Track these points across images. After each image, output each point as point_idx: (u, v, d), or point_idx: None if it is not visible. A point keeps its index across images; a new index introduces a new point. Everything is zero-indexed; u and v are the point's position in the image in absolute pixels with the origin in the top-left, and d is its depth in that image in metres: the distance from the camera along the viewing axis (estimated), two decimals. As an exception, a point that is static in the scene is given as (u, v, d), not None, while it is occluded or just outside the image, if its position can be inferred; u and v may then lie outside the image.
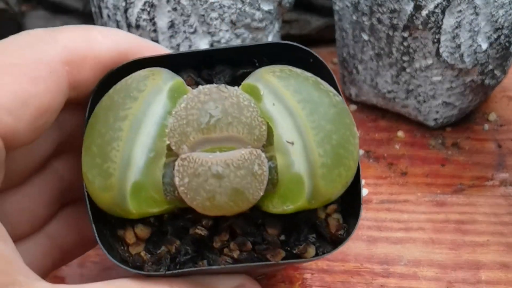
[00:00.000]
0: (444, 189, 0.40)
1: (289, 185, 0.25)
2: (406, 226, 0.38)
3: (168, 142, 0.24)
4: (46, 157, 0.28)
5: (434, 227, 0.38)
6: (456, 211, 0.39)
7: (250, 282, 0.26)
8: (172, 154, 0.24)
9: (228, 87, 0.25)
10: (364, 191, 0.40)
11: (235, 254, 0.25)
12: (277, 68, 0.26)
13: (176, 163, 0.24)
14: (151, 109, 0.24)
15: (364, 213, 0.39)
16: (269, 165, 0.24)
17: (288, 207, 0.25)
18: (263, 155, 0.24)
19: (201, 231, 0.25)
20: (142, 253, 0.26)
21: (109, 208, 0.25)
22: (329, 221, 0.27)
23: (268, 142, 0.25)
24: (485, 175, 0.41)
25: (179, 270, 0.25)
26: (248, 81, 0.26)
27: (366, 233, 0.37)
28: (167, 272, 0.25)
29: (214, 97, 0.24)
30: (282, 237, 0.26)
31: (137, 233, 0.26)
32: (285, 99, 0.25)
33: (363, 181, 0.41)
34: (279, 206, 0.25)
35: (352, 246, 0.37)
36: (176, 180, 0.24)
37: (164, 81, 0.25)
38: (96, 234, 0.25)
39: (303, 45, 0.28)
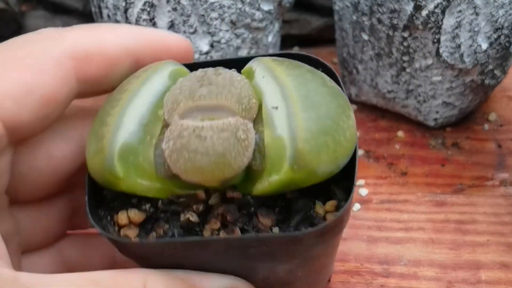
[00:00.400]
0: (444, 189, 0.40)
1: (273, 154, 0.24)
2: (406, 226, 0.38)
3: (163, 113, 0.25)
4: (69, 178, 0.28)
5: (434, 227, 0.38)
6: (456, 211, 0.39)
7: (244, 284, 0.26)
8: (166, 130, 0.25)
9: (225, 69, 0.26)
10: (364, 191, 0.40)
11: None
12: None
13: (166, 130, 0.24)
14: (150, 81, 0.26)
15: (364, 213, 0.39)
16: (256, 138, 0.24)
17: (273, 179, 0.24)
18: (250, 124, 0.24)
19: (191, 216, 0.25)
20: (131, 235, 0.26)
21: (100, 174, 0.25)
22: (328, 217, 0.26)
23: (259, 119, 0.25)
24: (485, 175, 0.41)
25: (163, 240, 0.25)
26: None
27: (366, 233, 0.37)
28: (151, 241, 0.25)
29: (209, 73, 0.25)
30: (276, 230, 0.26)
31: (130, 216, 0.26)
32: (275, 72, 0.25)
33: (363, 181, 0.41)
34: (266, 182, 0.24)
35: (352, 246, 0.37)
36: (163, 144, 0.24)
37: (167, 65, 0.27)
38: (87, 204, 0.25)
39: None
